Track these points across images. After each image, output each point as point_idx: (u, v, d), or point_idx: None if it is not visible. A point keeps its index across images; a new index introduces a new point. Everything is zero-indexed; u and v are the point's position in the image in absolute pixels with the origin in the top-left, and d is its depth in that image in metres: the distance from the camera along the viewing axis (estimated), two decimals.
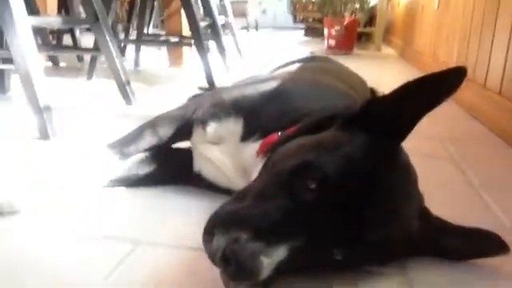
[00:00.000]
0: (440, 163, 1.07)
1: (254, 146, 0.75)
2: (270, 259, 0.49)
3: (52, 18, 1.59)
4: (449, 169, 1.05)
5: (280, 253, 0.49)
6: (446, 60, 2.25)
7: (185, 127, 0.88)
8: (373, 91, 1.70)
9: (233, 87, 0.92)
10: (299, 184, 0.53)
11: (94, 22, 1.53)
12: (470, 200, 0.88)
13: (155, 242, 0.69)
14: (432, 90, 0.55)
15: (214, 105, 0.86)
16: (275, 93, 0.84)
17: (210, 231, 0.52)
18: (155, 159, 0.91)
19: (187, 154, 0.91)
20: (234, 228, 0.49)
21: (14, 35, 1.17)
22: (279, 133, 0.73)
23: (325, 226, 0.52)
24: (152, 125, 0.91)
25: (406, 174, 0.60)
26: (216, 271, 0.54)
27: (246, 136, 0.79)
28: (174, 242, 0.69)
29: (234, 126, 0.81)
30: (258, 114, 0.79)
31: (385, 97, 0.59)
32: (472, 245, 0.64)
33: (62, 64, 2.72)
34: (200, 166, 0.87)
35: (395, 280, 0.62)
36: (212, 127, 0.83)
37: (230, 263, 0.48)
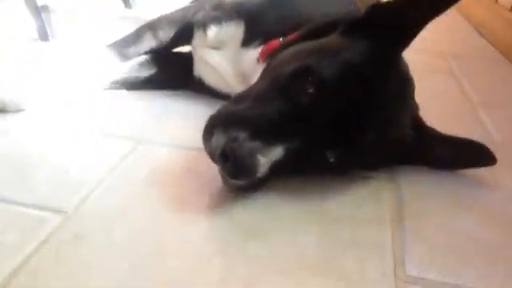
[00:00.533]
0: (440, 77, 1.07)
1: (254, 52, 0.76)
2: (267, 158, 0.51)
3: None
4: (448, 83, 1.05)
5: (276, 152, 0.52)
6: None
7: (185, 30, 0.87)
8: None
9: None
10: (297, 87, 0.55)
11: None
12: (464, 114, 0.89)
13: (156, 141, 0.72)
14: None
15: (215, 8, 0.84)
16: None
17: (209, 130, 0.54)
18: (155, 63, 0.91)
19: (188, 58, 0.91)
20: (233, 127, 0.52)
21: None
22: (280, 38, 0.72)
23: (320, 129, 0.54)
24: (152, 27, 0.89)
25: (403, 82, 0.61)
26: (213, 168, 0.58)
27: (246, 41, 0.78)
28: (174, 142, 0.72)
29: (235, 30, 0.80)
30: (259, 19, 0.78)
31: (389, 3, 0.58)
32: (461, 155, 0.66)
33: None
34: (200, 70, 0.88)
35: (384, 183, 0.65)
36: (213, 30, 0.82)
37: (229, 160, 0.50)
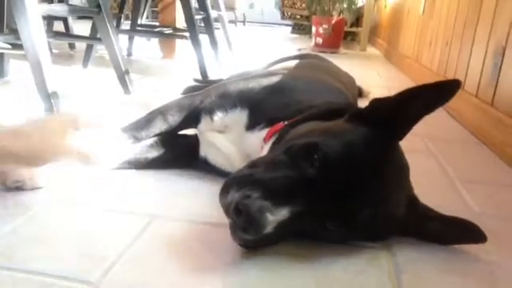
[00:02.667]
0: (420, 157, 1.18)
1: (259, 135, 0.85)
2: (274, 217, 0.59)
3: (59, 7, 1.63)
4: (428, 162, 1.16)
5: (283, 213, 0.59)
6: (429, 64, 2.37)
7: (193, 116, 0.96)
8: (360, 90, 1.81)
9: (237, 80, 1.00)
10: (305, 160, 0.64)
11: (97, 12, 1.59)
12: (445, 189, 0.99)
13: (169, 216, 0.78)
14: (429, 97, 0.66)
15: (220, 96, 0.94)
16: (278, 86, 0.93)
17: (226, 188, 0.62)
18: (163, 144, 0.98)
19: (194, 139, 0.99)
20: (247, 187, 0.60)
21: (25, 23, 1.23)
22: (285, 122, 0.82)
23: (321, 199, 0.62)
24: (162, 112, 0.98)
25: (399, 166, 0.70)
26: (227, 241, 0.64)
27: (251, 125, 0.88)
28: (187, 217, 0.77)
29: (239, 116, 0.89)
30: (262, 106, 0.88)
31: (388, 98, 0.69)
32: (453, 232, 0.72)
33: (54, 51, 2.74)
34: (206, 151, 0.95)
35: (380, 251, 0.71)
36: (218, 116, 0.92)
37: (241, 214, 0.58)
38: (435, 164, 1.15)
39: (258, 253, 0.67)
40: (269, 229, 0.59)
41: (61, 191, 0.84)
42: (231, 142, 0.90)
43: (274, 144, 0.77)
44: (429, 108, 0.66)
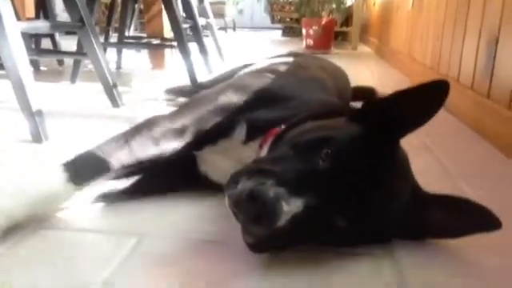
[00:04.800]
0: (418, 154, 1.14)
1: (255, 144, 0.81)
2: (289, 207, 0.55)
3: (40, 23, 1.60)
4: (427, 158, 1.13)
5: (297, 203, 0.56)
6: (421, 59, 2.34)
7: (194, 144, 0.85)
8: (374, 92, 1.77)
9: (228, 87, 0.93)
10: (315, 154, 0.61)
11: (80, 26, 1.56)
12: (446, 186, 0.95)
13: (159, 234, 0.74)
14: (418, 101, 0.64)
15: (217, 114, 0.85)
16: (272, 91, 0.89)
17: (234, 179, 0.58)
18: (155, 168, 0.86)
19: (190, 156, 0.88)
20: (259, 175, 0.56)
21: (5, 41, 1.19)
22: (282, 126, 0.78)
23: (333, 193, 0.59)
24: (156, 139, 0.84)
25: (403, 159, 0.69)
26: (221, 257, 0.60)
27: (248, 138, 0.83)
28: (178, 235, 0.74)
29: (239, 135, 0.83)
30: (258, 115, 0.83)
31: (381, 100, 0.68)
32: (461, 218, 0.66)
33: (42, 68, 2.71)
34: (206, 169, 0.88)
35: (383, 259, 0.68)
36: (222, 142, 0.84)
37: (255, 201, 0.53)
38: (433, 160, 1.12)
39: (255, 269, 0.63)
40: (283, 220, 0.55)
41: (37, 215, 0.79)
42: (229, 157, 0.85)
43: (271, 146, 0.74)
44: (424, 113, 0.64)
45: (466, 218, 0.66)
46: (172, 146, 0.84)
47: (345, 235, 0.62)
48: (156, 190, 0.89)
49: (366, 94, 1.67)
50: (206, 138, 0.85)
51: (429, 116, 0.64)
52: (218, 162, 0.87)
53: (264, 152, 0.76)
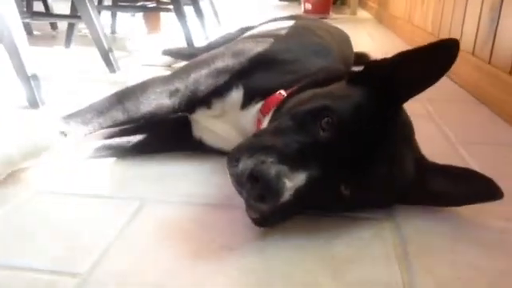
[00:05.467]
0: (420, 120, 1.13)
1: (254, 109, 0.80)
2: (292, 182, 0.55)
3: None
4: (428, 125, 1.12)
5: (300, 178, 0.56)
6: (422, 24, 2.30)
7: (184, 105, 0.85)
8: (366, 56, 1.75)
9: (223, 54, 0.89)
10: (316, 123, 0.60)
11: None
12: (446, 152, 0.95)
13: (161, 199, 0.74)
14: (425, 59, 0.61)
15: (212, 76, 0.84)
16: (270, 56, 0.87)
17: (235, 157, 0.57)
18: (148, 125, 0.89)
19: (183, 118, 0.90)
20: (260, 153, 0.55)
21: None
22: (280, 91, 0.77)
23: (336, 162, 0.58)
24: (148, 98, 0.84)
25: (406, 125, 0.68)
26: (223, 221, 0.60)
27: (246, 103, 0.82)
28: (180, 199, 0.74)
29: (235, 98, 0.82)
30: (256, 81, 0.82)
31: (382, 60, 0.65)
32: (464, 188, 0.67)
33: (35, 32, 2.65)
34: (201, 133, 0.89)
35: (384, 223, 0.68)
36: (216, 105, 0.83)
37: (257, 181, 0.53)
38: (434, 127, 1.12)
39: (256, 234, 0.64)
40: (286, 195, 0.55)
41: (39, 182, 0.79)
42: (228, 123, 0.85)
43: (273, 115, 0.73)
44: (428, 78, 0.63)
45: (468, 187, 0.66)
46: (165, 105, 0.83)
47: (347, 202, 0.62)
48: (150, 151, 0.90)
49: (359, 59, 1.64)
50: (198, 98, 0.83)
51: (436, 77, 0.62)
52: (212, 126, 0.86)
53: (266, 121, 0.74)
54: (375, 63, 0.67)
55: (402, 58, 0.63)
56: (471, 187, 0.66)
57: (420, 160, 0.69)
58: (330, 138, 0.59)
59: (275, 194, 0.54)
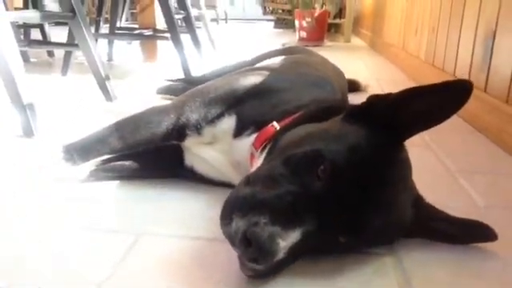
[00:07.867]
0: (417, 150, 1.13)
1: (247, 141, 0.78)
2: (286, 242, 0.52)
3: (30, 13, 1.55)
4: (426, 155, 1.12)
5: (295, 235, 0.53)
6: (416, 52, 2.33)
7: (175, 132, 0.85)
8: (357, 83, 1.77)
9: (217, 83, 0.91)
10: (309, 171, 0.57)
11: (71, 16, 1.52)
12: (446, 183, 0.95)
13: (157, 232, 0.72)
14: (434, 101, 0.59)
15: (205, 104, 0.84)
16: (264, 87, 0.86)
17: (227, 215, 0.55)
18: (141, 152, 0.90)
19: (175, 146, 0.89)
20: (252, 212, 0.53)
21: None
22: (274, 123, 0.76)
23: (333, 214, 0.56)
24: (137, 127, 0.86)
25: (404, 167, 0.64)
26: (220, 256, 0.58)
27: (238, 132, 0.81)
28: (176, 232, 0.72)
29: (227, 125, 0.82)
30: (249, 109, 0.81)
31: (387, 95, 0.62)
32: (462, 232, 0.68)
33: (32, 59, 2.66)
34: (192, 161, 0.88)
35: (386, 258, 0.67)
36: (207, 131, 0.83)
37: (250, 245, 0.51)
38: (433, 157, 1.11)
39: None
40: (281, 255, 0.53)
41: (34, 212, 0.77)
42: (219, 151, 0.84)
43: (268, 153, 0.70)
44: (435, 118, 0.60)
45: (465, 231, 0.69)
46: (158, 133, 0.86)
47: (345, 247, 0.61)
48: (144, 176, 0.92)
49: (350, 85, 1.64)
50: (189, 125, 0.84)
51: (446, 117, 0.60)
52: (203, 154, 0.85)
53: (260, 156, 0.72)
54: (378, 98, 0.63)
55: (410, 95, 0.60)
56: (467, 231, 0.68)
57: (418, 201, 0.67)
58: (325, 188, 0.56)
59: (269, 256, 0.52)
